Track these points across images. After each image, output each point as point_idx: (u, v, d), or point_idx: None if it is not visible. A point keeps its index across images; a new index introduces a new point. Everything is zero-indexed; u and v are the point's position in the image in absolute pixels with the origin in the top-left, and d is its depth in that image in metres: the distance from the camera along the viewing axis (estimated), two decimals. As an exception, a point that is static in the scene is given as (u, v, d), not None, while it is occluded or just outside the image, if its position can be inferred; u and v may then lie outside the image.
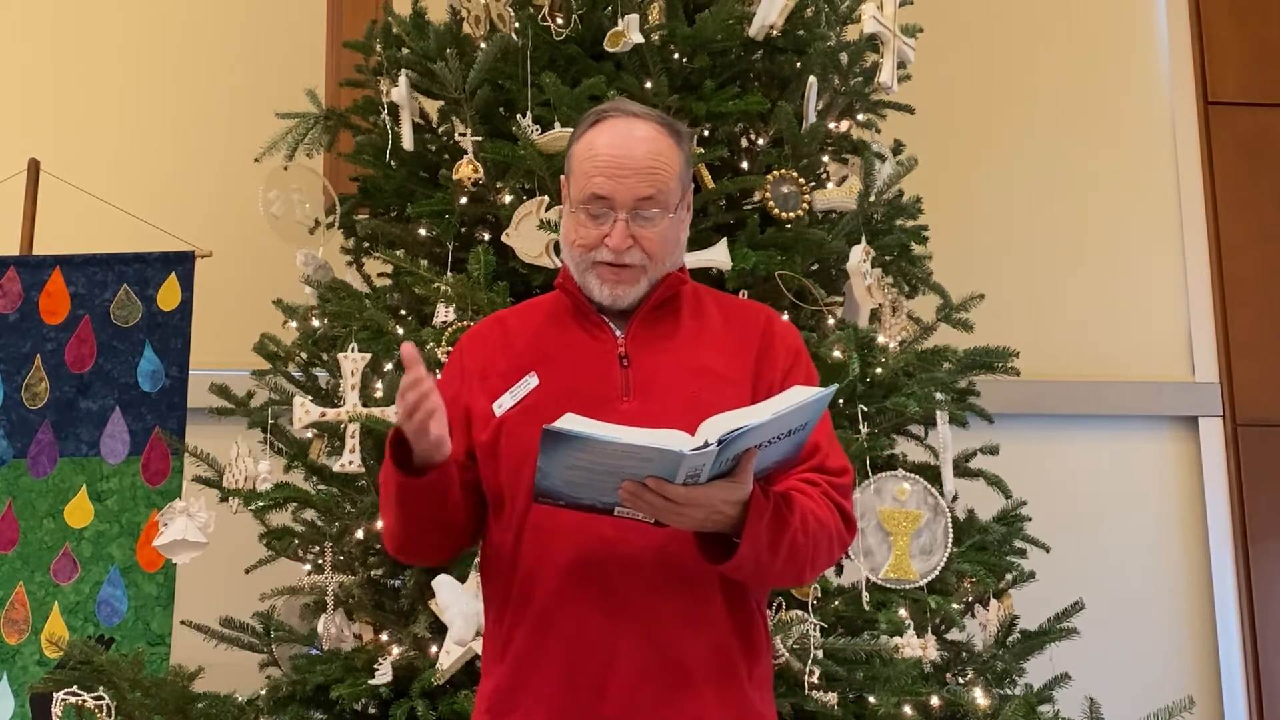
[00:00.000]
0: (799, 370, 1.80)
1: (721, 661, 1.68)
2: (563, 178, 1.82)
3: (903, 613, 2.60)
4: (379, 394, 2.70)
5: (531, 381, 1.75)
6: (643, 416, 1.63)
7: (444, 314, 2.67)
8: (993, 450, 3.09)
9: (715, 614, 1.69)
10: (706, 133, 2.88)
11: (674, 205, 1.76)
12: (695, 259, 2.63)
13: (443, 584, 2.42)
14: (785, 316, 2.51)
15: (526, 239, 2.70)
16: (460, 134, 2.87)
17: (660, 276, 1.78)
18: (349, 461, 2.62)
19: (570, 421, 1.48)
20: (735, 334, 1.81)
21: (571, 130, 1.88)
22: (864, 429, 2.65)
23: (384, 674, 2.48)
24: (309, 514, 2.93)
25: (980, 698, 2.61)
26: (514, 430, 1.71)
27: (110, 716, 2.65)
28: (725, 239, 2.73)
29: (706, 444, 1.47)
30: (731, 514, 1.56)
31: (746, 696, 1.70)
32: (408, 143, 2.98)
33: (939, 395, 2.79)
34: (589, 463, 1.50)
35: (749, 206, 2.92)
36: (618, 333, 1.78)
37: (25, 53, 4.13)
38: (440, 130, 3.15)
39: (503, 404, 1.74)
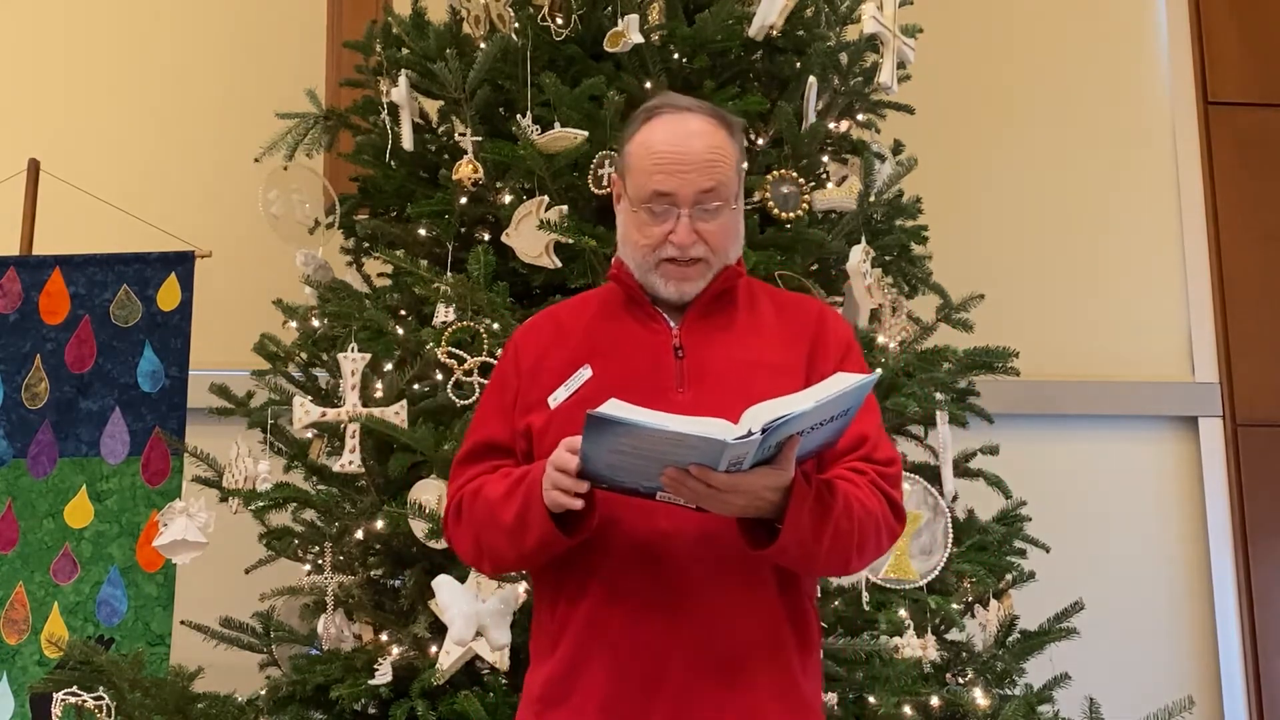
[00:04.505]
0: (851, 363, 1.80)
1: (776, 653, 1.68)
2: (614, 175, 1.83)
3: (903, 613, 2.59)
4: (379, 394, 2.70)
5: (585, 373, 1.75)
6: (697, 407, 1.62)
7: (444, 314, 2.66)
8: (993, 450, 3.09)
9: (769, 605, 1.69)
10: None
11: (732, 197, 1.77)
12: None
13: (443, 584, 2.42)
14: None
15: (526, 239, 2.69)
16: (460, 134, 2.87)
17: (721, 268, 1.79)
18: (349, 461, 2.62)
19: (614, 407, 1.48)
20: (788, 326, 1.82)
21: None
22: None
23: (384, 674, 2.48)
24: (309, 514, 2.93)
25: (980, 698, 2.61)
26: (566, 422, 1.69)
27: (110, 717, 2.65)
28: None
29: (750, 433, 1.47)
30: (774, 500, 1.57)
31: (800, 689, 1.71)
32: (408, 143, 2.98)
33: (939, 395, 2.79)
34: (632, 448, 1.49)
35: (749, 206, 2.90)
36: (672, 324, 1.78)
37: (26, 53, 4.13)
38: (440, 130, 3.15)
39: (557, 397, 1.75)
